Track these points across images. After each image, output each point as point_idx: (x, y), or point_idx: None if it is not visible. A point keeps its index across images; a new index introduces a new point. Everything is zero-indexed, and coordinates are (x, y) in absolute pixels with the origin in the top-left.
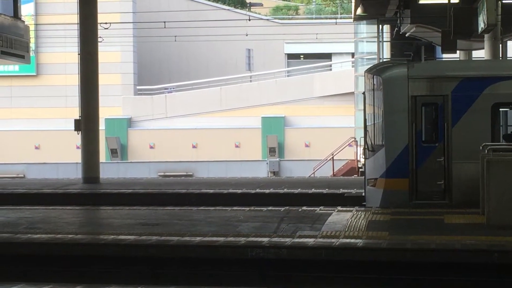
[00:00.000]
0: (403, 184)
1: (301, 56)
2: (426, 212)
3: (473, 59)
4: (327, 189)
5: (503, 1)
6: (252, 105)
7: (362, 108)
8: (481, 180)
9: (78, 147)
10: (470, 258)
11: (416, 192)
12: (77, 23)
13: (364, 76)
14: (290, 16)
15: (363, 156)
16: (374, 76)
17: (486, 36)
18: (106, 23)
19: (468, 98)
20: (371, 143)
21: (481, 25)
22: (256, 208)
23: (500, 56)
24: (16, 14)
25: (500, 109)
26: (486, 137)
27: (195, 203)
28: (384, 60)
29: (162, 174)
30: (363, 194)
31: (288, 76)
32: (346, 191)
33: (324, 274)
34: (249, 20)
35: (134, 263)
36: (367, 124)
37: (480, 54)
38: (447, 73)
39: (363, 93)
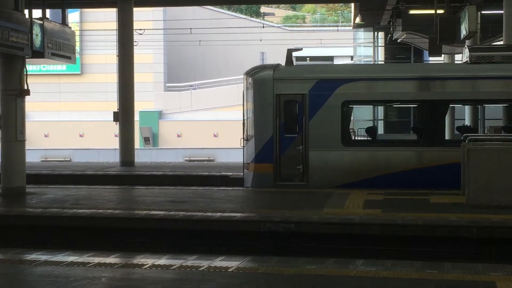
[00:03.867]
0: (269, 168)
1: (307, 58)
2: (414, 193)
3: (326, 63)
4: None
5: (482, 12)
6: None
7: None
8: (462, 166)
9: (116, 135)
10: (452, 233)
11: (280, 175)
12: (116, 29)
13: (243, 77)
14: (298, 24)
15: (242, 145)
16: (248, 78)
17: (467, 42)
18: (140, 29)
19: (322, 97)
20: (247, 134)
21: (463, 32)
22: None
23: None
24: (64, 21)
25: (349, 106)
26: (337, 129)
27: (215, 183)
28: (276, 64)
29: (188, 159)
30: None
31: None
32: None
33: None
34: (263, 27)
35: (164, 235)
36: (244, 118)
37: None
38: (305, 75)
39: (243, 92)
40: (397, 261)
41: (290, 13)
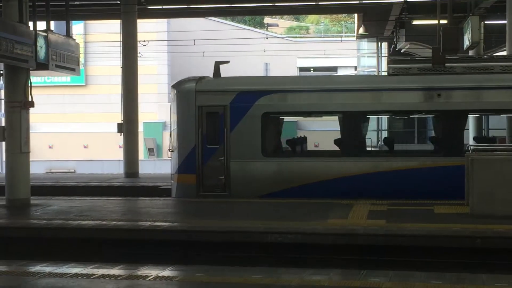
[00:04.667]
0: (192, 179)
1: (311, 69)
2: (418, 203)
3: (247, 76)
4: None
5: (486, 22)
6: None
7: None
8: (466, 176)
9: (120, 147)
10: (456, 243)
11: (202, 185)
12: (120, 41)
13: (170, 90)
14: (302, 35)
15: (169, 156)
16: (173, 90)
17: (470, 52)
18: (144, 40)
19: (243, 108)
20: (172, 145)
21: (466, 42)
22: None
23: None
24: (68, 33)
25: (270, 116)
26: (257, 140)
27: None
28: (201, 76)
29: None
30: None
31: None
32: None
33: None
34: (267, 38)
35: (168, 246)
36: (171, 129)
37: None
38: (227, 87)
39: (170, 104)
40: (401, 271)
41: (294, 23)
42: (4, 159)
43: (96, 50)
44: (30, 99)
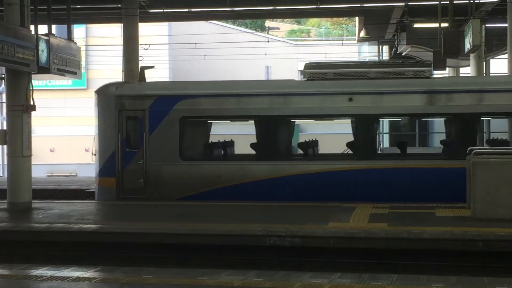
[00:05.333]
0: (112, 182)
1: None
2: (419, 207)
3: (167, 81)
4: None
5: (487, 25)
6: None
7: None
8: (467, 179)
9: None
10: (458, 246)
11: (122, 188)
12: (121, 44)
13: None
14: (303, 38)
15: (93, 160)
16: (95, 94)
17: (471, 55)
18: (145, 44)
19: (161, 113)
20: (95, 148)
21: (468, 45)
22: None
23: (484, 72)
24: (69, 37)
25: (187, 120)
26: (175, 144)
27: None
28: (123, 81)
29: None
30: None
31: None
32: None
33: None
34: (268, 41)
35: (168, 249)
36: (94, 133)
37: (466, 71)
38: (146, 92)
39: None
40: (403, 275)
41: (295, 27)
42: (5, 162)
43: (98, 53)
44: (31, 103)
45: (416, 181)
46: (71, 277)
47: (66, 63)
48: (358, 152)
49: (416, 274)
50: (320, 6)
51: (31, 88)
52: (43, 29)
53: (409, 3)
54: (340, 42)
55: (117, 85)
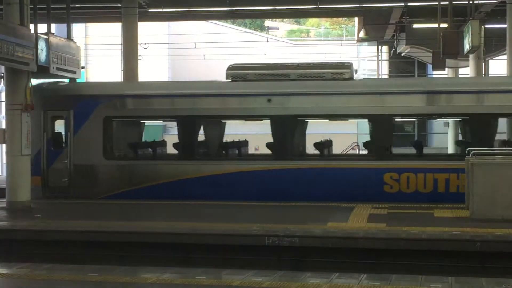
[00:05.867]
0: (38, 181)
1: None
2: (418, 207)
3: (92, 82)
4: None
5: (486, 26)
6: None
7: None
8: (466, 180)
9: None
10: (456, 247)
11: (48, 187)
12: (121, 44)
13: None
14: (302, 38)
15: None
16: None
17: (471, 56)
18: (145, 43)
19: (86, 113)
20: None
21: (467, 46)
22: None
23: (483, 73)
24: (69, 36)
25: (111, 120)
26: (99, 143)
27: None
28: (51, 81)
29: None
30: None
31: None
32: None
33: None
34: (267, 41)
35: (168, 248)
36: None
37: (466, 71)
38: (71, 92)
39: None
40: (401, 275)
41: (294, 27)
42: (4, 161)
43: (97, 53)
44: (30, 102)
45: (333, 181)
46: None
47: (66, 62)
48: (276, 153)
49: (415, 275)
50: (320, 6)
51: (30, 87)
52: (42, 28)
53: (408, 4)
54: (340, 42)
55: (44, 85)
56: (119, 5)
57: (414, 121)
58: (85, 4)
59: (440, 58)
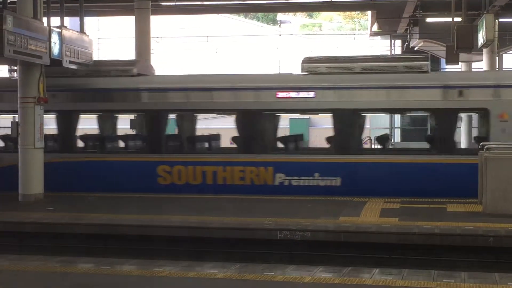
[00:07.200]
0: None
1: None
2: (431, 202)
3: None
4: None
5: (500, 20)
6: None
7: None
8: (479, 174)
9: None
10: (469, 242)
11: None
12: (134, 37)
13: None
14: (315, 32)
15: None
16: None
17: (484, 50)
18: (157, 37)
19: None
20: None
21: (481, 40)
22: None
23: (497, 67)
24: (82, 29)
25: None
26: None
27: None
28: None
29: None
30: None
31: None
32: None
33: None
34: (280, 35)
35: (181, 242)
36: None
37: (479, 65)
38: None
39: None
40: (414, 270)
41: (307, 21)
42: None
43: (110, 46)
44: (44, 95)
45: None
46: (83, 268)
47: (78, 56)
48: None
49: (428, 269)
50: (333, 0)
51: (43, 80)
52: (55, 21)
53: None
54: (353, 36)
55: None
56: None
57: None
58: None
59: (454, 52)
